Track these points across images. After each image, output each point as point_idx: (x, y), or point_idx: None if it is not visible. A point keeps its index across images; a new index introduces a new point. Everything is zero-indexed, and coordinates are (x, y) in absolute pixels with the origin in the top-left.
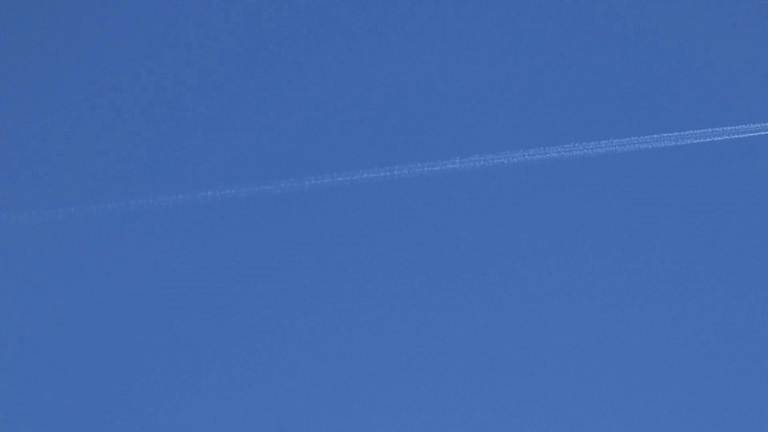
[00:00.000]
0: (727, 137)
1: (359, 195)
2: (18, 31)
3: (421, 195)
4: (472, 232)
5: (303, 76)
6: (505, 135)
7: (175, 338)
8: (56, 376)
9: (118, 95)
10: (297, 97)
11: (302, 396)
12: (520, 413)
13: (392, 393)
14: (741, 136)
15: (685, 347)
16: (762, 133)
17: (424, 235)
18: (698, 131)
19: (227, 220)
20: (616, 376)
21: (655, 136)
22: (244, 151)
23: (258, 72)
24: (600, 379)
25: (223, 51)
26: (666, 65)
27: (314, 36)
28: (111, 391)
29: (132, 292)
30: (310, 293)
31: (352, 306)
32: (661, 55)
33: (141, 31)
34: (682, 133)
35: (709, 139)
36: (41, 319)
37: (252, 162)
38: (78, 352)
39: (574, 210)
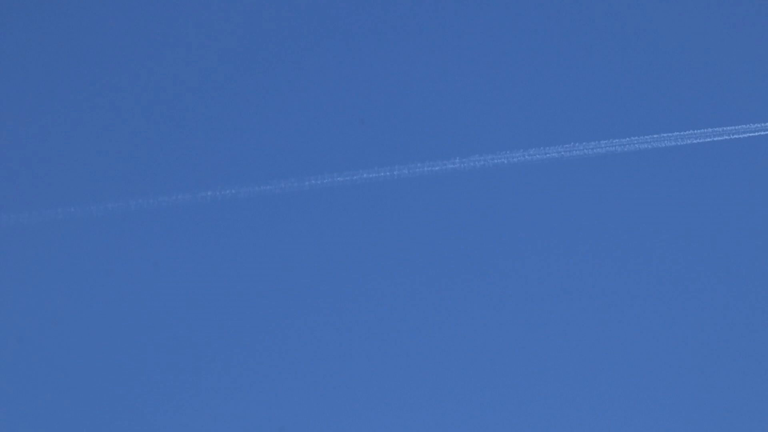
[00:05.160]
0: (727, 137)
1: (359, 195)
2: (18, 31)
3: (421, 195)
4: (472, 232)
5: (303, 76)
6: (505, 135)
7: (175, 338)
8: (56, 376)
9: (118, 95)
10: (297, 97)
11: (302, 396)
12: (520, 413)
13: (392, 393)
14: (741, 136)
15: (685, 347)
16: (762, 133)
17: (424, 235)
18: (698, 131)
19: (227, 220)
20: (616, 376)
21: (655, 136)
22: (244, 151)
23: (258, 72)
24: (600, 379)
25: (223, 51)
26: (666, 65)
27: (314, 36)
28: (111, 391)
29: (132, 292)
30: (310, 293)
31: (352, 306)
32: (661, 55)
33: (141, 31)
34: (682, 133)
35: (709, 139)
36: (41, 319)
37: (252, 162)
38: (78, 352)
39: (574, 210)
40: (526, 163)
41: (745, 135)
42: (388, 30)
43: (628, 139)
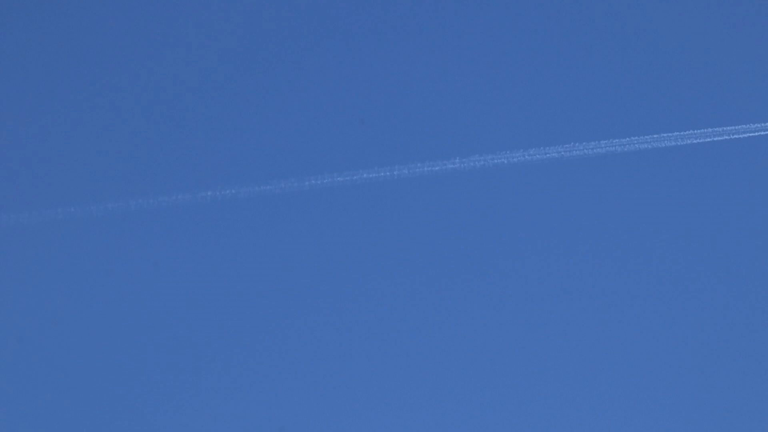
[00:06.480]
0: (727, 137)
1: (359, 195)
2: (18, 31)
3: (421, 195)
4: (472, 232)
5: (303, 76)
6: (505, 135)
7: (175, 338)
8: (56, 376)
9: (118, 95)
10: (297, 97)
11: (302, 396)
12: (520, 413)
13: (392, 393)
14: (741, 136)
15: (685, 347)
16: (762, 133)
17: (424, 235)
18: (698, 131)
19: (227, 220)
20: (616, 376)
21: (655, 136)
22: (244, 151)
23: (258, 72)
24: (600, 379)
25: (223, 51)
26: (666, 65)
27: (314, 36)
28: (111, 391)
29: (132, 292)
30: (310, 293)
31: (352, 306)
32: (661, 55)
33: (141, 31)
34: (682, 133)
35: (709, 139)
36: (41, 319)
37: (252, 162)
38: (78, 352)
39: (574, 210)
40: (526, 163)
41: (745, 135)
42: (388, 30)
43: (628, 139)
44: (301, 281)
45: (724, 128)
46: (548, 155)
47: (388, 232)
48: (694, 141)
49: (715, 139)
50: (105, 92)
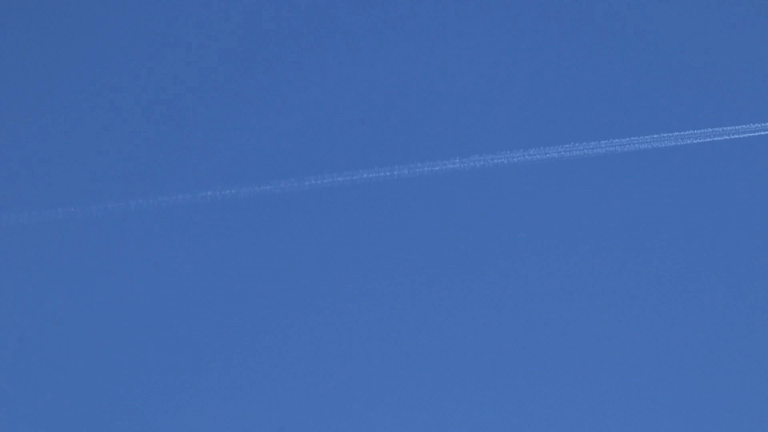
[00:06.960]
0: (727, 137)
1: (359, 195)
2: (18, 31)
3: (421, 195)
4: (472, 232)
5: (303, 76)
6: (505, 135)
7: (175, 338)
8: (56, 376)
9: (118, 95)
10: (297, 97)
11: (302, 396)
12: (520, 413)
13: (392, 393)
14: (741, 136)
15: (685, 347)
16: (762, 133)
17: (424, 235)
18: (698, 131)
19: (227, 220)
20: (616, 376)
21: (655, 136)
22: (244, 151)
23: (258, 72)
24: (600, 379)
25: (223, 51)
26: (666, 65)
27: (314, 36)
28: (111, 391)
29: (132, 292)
30: (310, 293)
31: (352, 306)
32: (661, 55)
33: (141, 31)
34: (682, 133)
35: (709, 139)
36: (41, 319)
37: (252, 162)
38: (78, 352)
39: (574, 210)
40: (526, 163)
41: (745, 135)
42: (388, 30)
43: (628, 139)
44: (301, 281)
45: (724, 128)
46: (548, 155)
47: (388, 232)
48: (694, 141)
49: (715, 139)
50: (105, 92)
